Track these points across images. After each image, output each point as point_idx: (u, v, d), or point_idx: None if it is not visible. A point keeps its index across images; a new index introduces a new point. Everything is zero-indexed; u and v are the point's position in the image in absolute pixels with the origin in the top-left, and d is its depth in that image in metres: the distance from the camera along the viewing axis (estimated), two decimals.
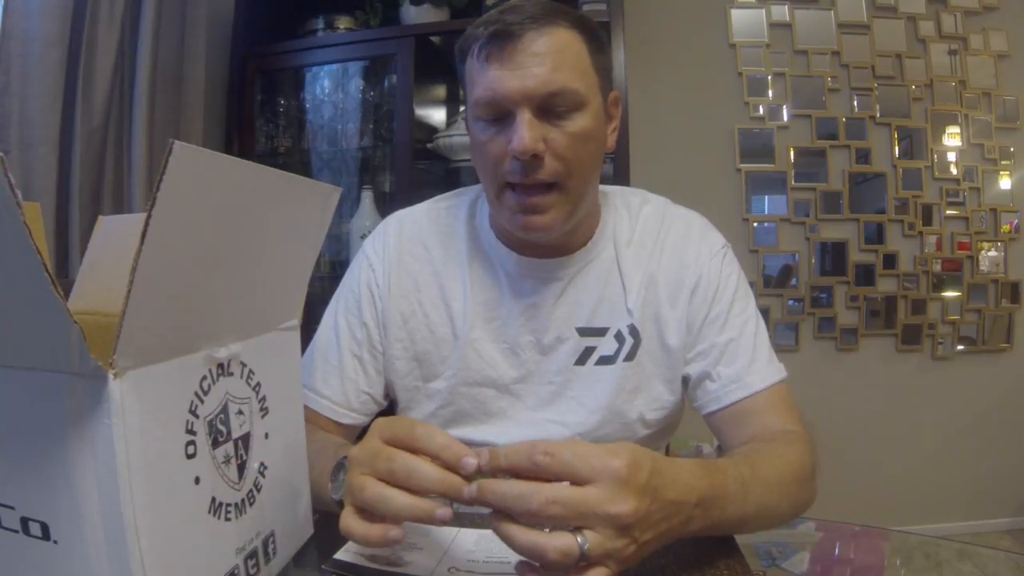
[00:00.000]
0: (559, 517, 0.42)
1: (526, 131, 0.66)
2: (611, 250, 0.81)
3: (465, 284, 0.80)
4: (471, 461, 0.44)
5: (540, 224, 0.71)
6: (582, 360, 0.78)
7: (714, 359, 0.76)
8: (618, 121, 0.79)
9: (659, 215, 0.83)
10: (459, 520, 0.62)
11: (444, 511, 0.44)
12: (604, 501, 0.42)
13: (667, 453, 1.09)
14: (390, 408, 0.86)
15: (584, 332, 0.79)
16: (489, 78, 0.68)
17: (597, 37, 0.73)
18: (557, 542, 0.42)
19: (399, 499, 0.45)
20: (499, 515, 0.43)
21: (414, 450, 0.46)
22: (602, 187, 0.83)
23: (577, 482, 0.43)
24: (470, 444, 0.79)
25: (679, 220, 0.83)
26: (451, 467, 0.45)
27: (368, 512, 0.46)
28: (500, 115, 0.69)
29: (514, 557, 0.54)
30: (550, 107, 0.68)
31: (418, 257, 0.82)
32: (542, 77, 0.66)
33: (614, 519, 0.42)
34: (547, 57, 0.67)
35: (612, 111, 0.77)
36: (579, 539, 0.42)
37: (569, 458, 0.43)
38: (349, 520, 0.47)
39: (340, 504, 0.51)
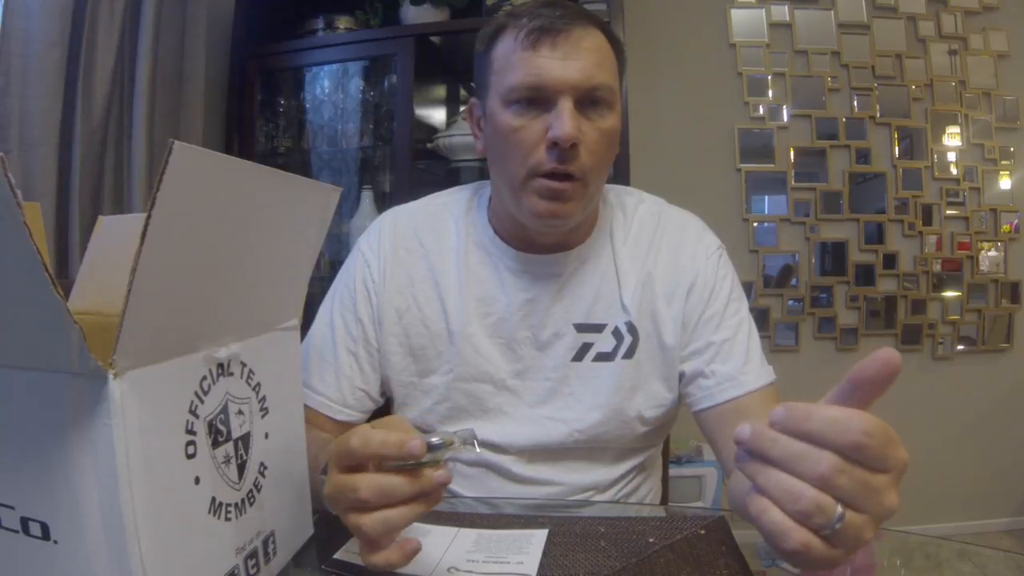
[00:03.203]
0: (842, 488, 0.36)
1: (570, 119, 0.68)
2: (608, 247, 0.81)
3: (460, 279, 0.80)
4: (415, 444, 0.44)
5: (564, 211, 0.72)
6: (579, 356, 0.79)
7: (709, 357, 0.77)
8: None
9: (655, 215, 0.84)
10: (459, 520, 0.63)
11: (443, 473, 0.46)
12: (889, 491, 0.37)
13: (666, 452, 1.09)
14: (387, 405, 0.86)
15: (581, 328, 0.79)
16: (536, 64, 0.69)
17: (621, 48, 0.76)
18: (820, 497, 0.36)
19: (397, 516, 0.45)
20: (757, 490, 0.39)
21: (364, 464, 0.46)
22: None
23: (870, 465, 0.37)
24: None
25: (675, 220, 0.84)
26: (401, 457, 0.44)
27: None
28: (538, 101, 0.70)
29: (512, 558, 0.55)
30: (588, 101, 0.70)
31: (413, 252, 0.82)
32: (588, 71, 0.69)
33: (887, 511, 0.37)
34: (592, 53, 0.70)
35: None
36: (839, 508, 0.36)
37: (884, 442, 0.37)
38: (372, 558, 0.46)
39: None
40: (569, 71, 0.68)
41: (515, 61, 0.70)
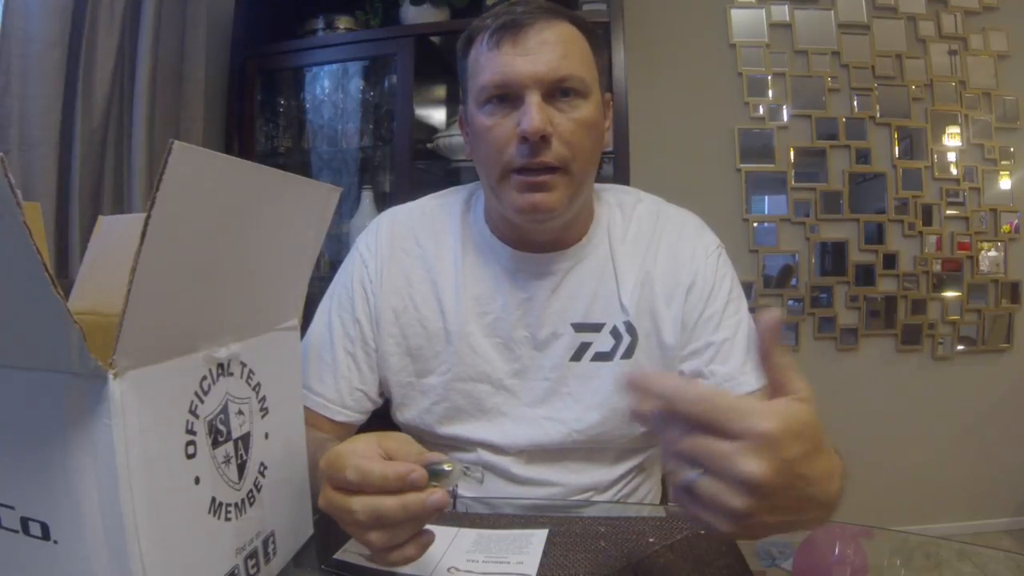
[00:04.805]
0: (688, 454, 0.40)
1: (536, 112, 0.68)
2: (606, 246, 0.81)
3: (457, 278, 0.80)
4: (415, 476, 0.45)
5: (545, 203, 0.71)
6: (577, 356, 0.78)
7: (708, 357, 0.77)
8: (610, 122, 0.81)
9: (653, 214, 0.84)
10: (459, 520, 0.63)
11: (438, 497, 0.46)
12: (736, 456, 0.38)
13: None
14: (385, 405, 0.86)
15: (579, 328, 0.79)
16: (500, 62, 0.70)
17: (596, 38, 0.76)
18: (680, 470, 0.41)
19: (401, 531, 0.46)
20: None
21: (361, 491, 0.46)
22: (595, 185, 0.83)
23: (727, 435, 0.39)
24: (466, 441, 0.80)
25: (674, 219, 0.84)
26: (403, 490, 0.45)
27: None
28: (508, 99, 0.71)
29: (512, 558, 0.55)
30: (557, 93, 0.70)
31: (410, 252, 0.82)
32: (553, 63, 0.69)
33: (741, 477, 0.38)
34: (557, 45, 0.70)
35: (606, 111, 0.79)
36: (693, 472, 0.40)
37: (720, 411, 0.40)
38: (389, 557, 0.47)
39: None
40: (532, 65, 0.69)
41: (483, 63, 0.72)
